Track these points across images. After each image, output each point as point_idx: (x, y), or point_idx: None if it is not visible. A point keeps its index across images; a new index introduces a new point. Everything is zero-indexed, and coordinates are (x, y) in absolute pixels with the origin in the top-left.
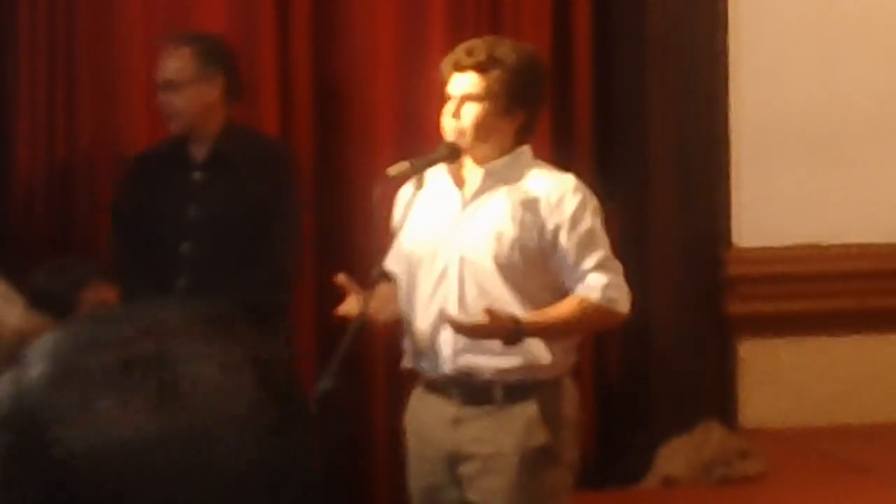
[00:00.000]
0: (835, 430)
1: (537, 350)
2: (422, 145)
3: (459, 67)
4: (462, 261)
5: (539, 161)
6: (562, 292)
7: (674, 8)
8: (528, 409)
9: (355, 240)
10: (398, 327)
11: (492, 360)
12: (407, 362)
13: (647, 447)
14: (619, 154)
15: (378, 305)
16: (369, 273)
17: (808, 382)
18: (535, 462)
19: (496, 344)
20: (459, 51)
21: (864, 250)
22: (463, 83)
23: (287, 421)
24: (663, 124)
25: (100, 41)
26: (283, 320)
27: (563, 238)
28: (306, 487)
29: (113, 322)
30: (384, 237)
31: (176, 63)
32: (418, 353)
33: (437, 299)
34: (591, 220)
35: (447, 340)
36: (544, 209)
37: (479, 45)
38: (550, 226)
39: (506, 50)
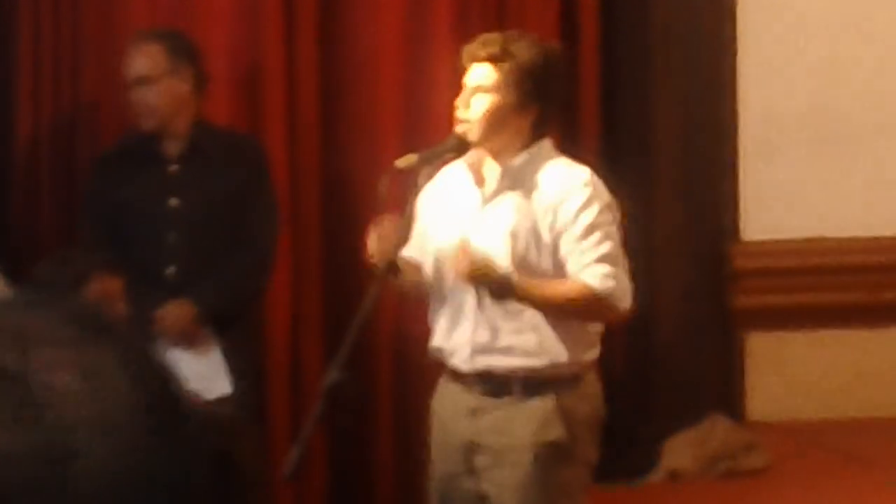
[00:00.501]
0: (840, 424)
1: (556, 350)
2: (427, 140)
3: (475, 58)
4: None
5: (558, 154)
6: None
7: (681, 1)
8: (545, 404)
9: (362, 234)
10: (406, 320)
11: (510, 359)
12: (431, 355)
13: (653, 441)
14: (626, 147)
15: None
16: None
17: (814, 376)
18: (549, 457)
19: (513, 344)
20: (476, 42)
21: (871, 243)
22: (476, 74)
23: (162, 427)
24: (670, 117)
25: (104, 43)
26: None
27: (569, 230)
28: (182, 496)
29: None
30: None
31: (147, 59)
32: (440, 350)
33: (457, 297)
34: (598, 214)
35: (466, 340)
36: (555, 205)
37: (494, 38)
38: (560, 220)
39: (522, 45)
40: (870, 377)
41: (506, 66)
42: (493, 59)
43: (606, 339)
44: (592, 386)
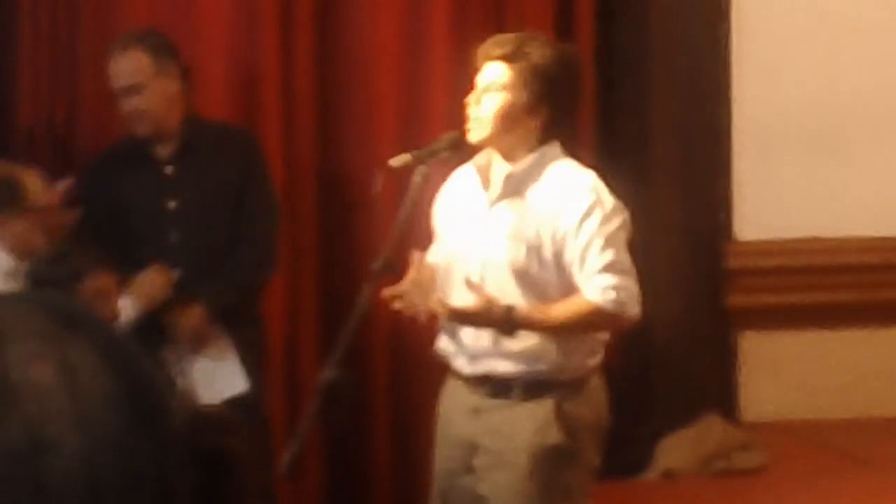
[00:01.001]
0: (835, 423)
1: (558, 355)
2: (423, 138)
3: (488, 57)
4: (484, 263)
5: (566, 158)
6: None
7: (677, 3)
8: (545, 407)
9: (358, 232)
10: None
11: (510, 364)
12: (438, 355)
13: (648, 440)
14: (622, 147)
15: (421, 290)
16: (371, 265)
17: (809, 375)
18: (547, 461)
19: (514, 349)
20: (491, 41)
21: (865, 243)
22: (489, 73)
23: (142, 422)
24: (665, 117)
25: (101, 47)
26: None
27: (572, 239)
28: (160, 488)
29: None
30: (386, 229)
31: (131, 65)
32: (444, 352)
33: (461, 299)
34: (601, 221)
35: (468, 344)
36: (557, 210)
37: (509, 38)
38: (561, 227)
39: (536, 45)
40: (864, 376)
41: (519, 65)
42: (506, 58)
43: None
44: (597, 392)
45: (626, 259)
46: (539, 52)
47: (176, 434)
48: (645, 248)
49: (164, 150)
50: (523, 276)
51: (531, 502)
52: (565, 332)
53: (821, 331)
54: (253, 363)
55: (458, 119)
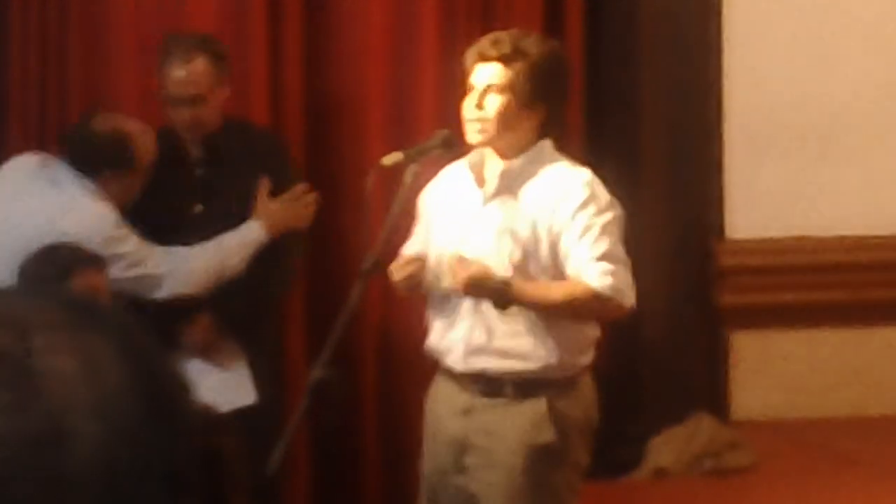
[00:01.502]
0: (825, 422)
1: (550, 353)
2: (413, 137)
3: (484, 58)
4: (479, 259)
5: (559, 155)
6: None
7: (667, 1)
8: (537, 406)
9: (348, 233)
10: (391, 317)
11: (503, 362)
12: (428, 354)
13: (638, 438)
14: (612, 145)
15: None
16: (361, 265)
17: (799, 374)
18: (539, 460)
19: (508, 346)
20: (484, 42)
21: (856, 242)
22: (487, 74)
23: (158, 414)
24: (655, 116)
25: (90, 47)
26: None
27: (567, 230)
28: (174, 477)
29: None
30: (376, 228)
31: (196, 77)
32: (436, 349)
33: (454, 299)
34: (596, 213)
35: (461, 341)
36: (553, 206)
37: (504, 37)
38: (557, 220)
39: (531, 43)
40: (854, 375)
41: (518, 65)
42: (504, 59)
43: None
44: (587, 390)
45: (622, 250)
46: (535, 51)
47: (190, 425)
48: (635, 246)
49: (197, 150)
50: (520, 273)
51: (522, 501)
52: (559, 311)
53: (811, 330)
54: (267, 375)
55: (448, 117)
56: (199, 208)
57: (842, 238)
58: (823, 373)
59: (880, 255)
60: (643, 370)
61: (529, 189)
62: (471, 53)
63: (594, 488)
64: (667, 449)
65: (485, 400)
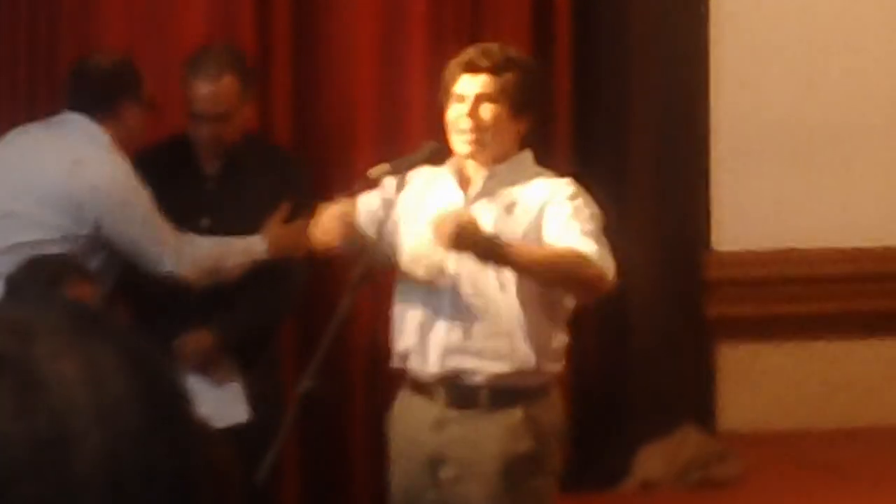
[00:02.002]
0: (812, 434)
1: (525, 356)
2: (401, 148)
3: (474, 69)
4: (460, 261)
5: (539, 167)
6: (557, 294)
7: (656, 10)
8: (514, 416)
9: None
10: (379, 328)
11: (480, 362)
12: (395, 362)
13: (626, 450)
14: (600, 156)
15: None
16: (350, 276)
17: (786, 386)
18: (519, 469)
19: (485, 347)
20: (472, 52)
21: (843, 254)
22: (477, 83)
23: (161, 417)
24: (644, 127)
25: (82, 39)
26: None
27: (552, 213)
28: (178, 486)
29: None
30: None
31: (223, 94)
32: (407, 352)
33: (432, 298)
34: (584, 207)
35: (437, 340)
36: (541, 206)
37: (493, 48)
38: (545, 218)
39: (517, 54)
40: (842, 387)
41: (507, 75)
42: (495, 69)
43: (579, 348)
44: (557, 398)
45: (603, 236)
46: (523, 62)
47: (194, 433)
48: (623, 258)
49: (211, 165)
50: (507, 274)
51: None
52: (545, 269)
53: (798, 341)
54: (267, 394)
55: (435, 128)
56: (206, 222)
57: (829, 250)
58: (811, 384)
59: (867, 266)
60: (630, 382)
61: (516, 190)
62: (456, 65)
63: (582, 500)
64: (654, 461)
65: (457, 412)
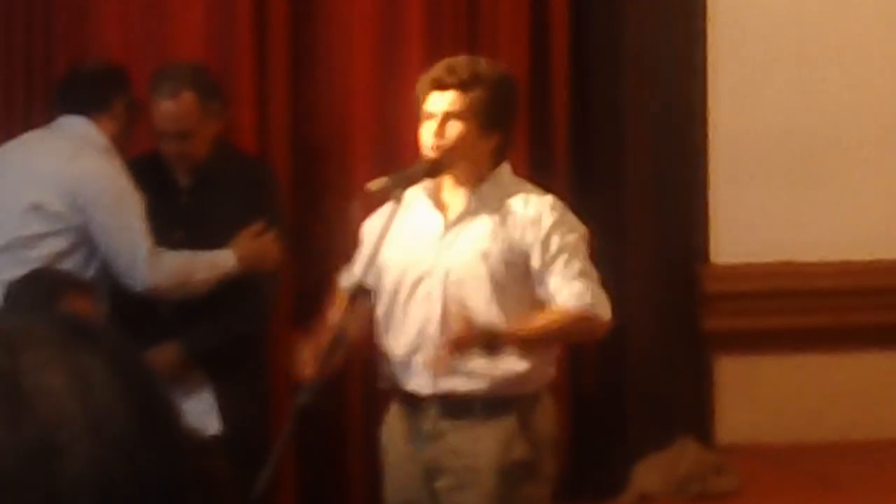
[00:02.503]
0: (810, 447)
1: (518, 372)
2: (398, 163)
3: (441, 86)
4: (447, 283)
5: (519, 179)
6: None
7: (652, 24)
8: (508, 423)
9: (333, 258)
10: (373, 345)
11: (470, 381)
12: (383, 383)
13: (623, 463)
14: (597, 170)
15: (352, 319)
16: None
17: (784, 399)
18: (514, 476)
19: (476, 365)
20: (440, 69)
21: (841, 268)
22: (445, 101)
23: (150, 428)
24: (641, 141)
25: (77, 56)
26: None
27: (540, 253)
28: (166, 495)
29: None
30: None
31: (180, 112)
32: (396, 374)
33: (418, 321)
34: (568, 235)
35: (427, 363)
36: (523, 228)
37: (460, 64)
38: (529, 242)
39: (485, 69)
40: (839, 400)
41: (474, 92)
42: (462, 86)
43: (577, 361)
44: (550, 405)
45: (591, 267)
46: (491, 77)
47: (183, 444)
48: (620, 271)
49: (184, 178)
50: (495, 291)
51: None
52: (552, 341)
53: (795, 355)
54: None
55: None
56: (179, 234)
57: (826, 263)
58: (808, 397)
59: (865, 279)
60: (628, 394)
61: (497, 211)
62: (425, 81)
63: None
64: (652, 473)
65: (451, 422)
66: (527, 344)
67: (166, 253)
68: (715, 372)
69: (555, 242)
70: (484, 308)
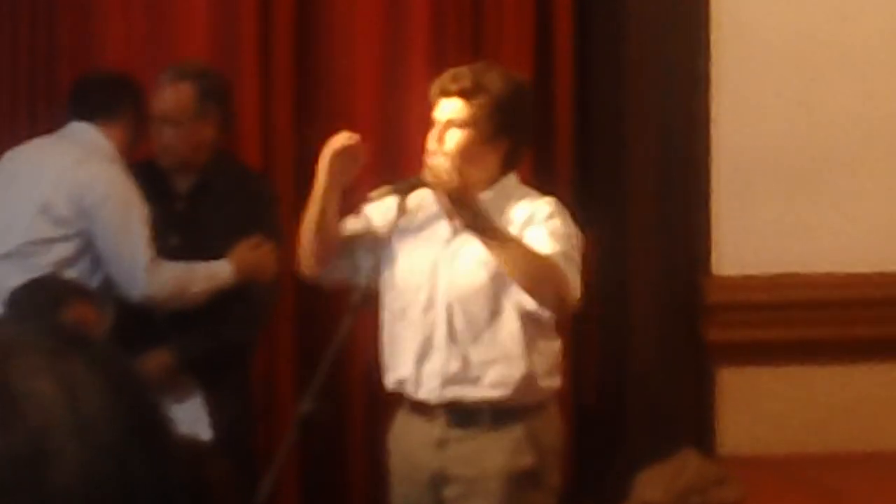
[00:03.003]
0: (812, 459)
1: (524, 379)
2: (402, 168)
3: (446, 93)
4: (451, 289)
5: (524, 187)
6: (548, 318)
7: (655, 35)
8: (515, 433)
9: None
10: (376, 351)
11: (479, 389)
12: (391, 385)
13: (625, 473)
14: (600, 180)
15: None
16: (349, 297)
17: (787, 410)
18: (520, 485)
19: (483, 374)
20: (446, 76)
21: (844, 279)
22: (448, 109)
23: (139, 433)
24: (644, 152)
25: (81, 59)
26: (250, 358)
27: (529, 235)
28: (156, 501)
29: None
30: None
31: (174, 98)
32: (403, 381)
33: (425, 328)
34: (561, 225)
35: (434, 371)
36: (521, 228)
37: (465, 72)
38: (522, 237)
39: (492, 77)
40: (841, 412)
41: (478, 100)
42: (464, 94)
43: (578, 371)
44: (555, 413)
45: (579, 259)
46: (496, 85)
47: (174, 450)
48: (622, 281)
49: (182, 184)
50: (498, 298)
51: None
52: (517, 263)
53: (798, 366)
54: (230, 415)
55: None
56: (175, 241)
57: (829, 275)
58: (811, 409)
59: (868, 292)
60: (630, 405)
61: (499, 219)
62: (434, 87)
63: None
64: (653, 484)
65: (460, 430)
66: (495, 242)
67: (165, 264)
68: (717, 383)
69: (543, 229)
70: (487, 315)
